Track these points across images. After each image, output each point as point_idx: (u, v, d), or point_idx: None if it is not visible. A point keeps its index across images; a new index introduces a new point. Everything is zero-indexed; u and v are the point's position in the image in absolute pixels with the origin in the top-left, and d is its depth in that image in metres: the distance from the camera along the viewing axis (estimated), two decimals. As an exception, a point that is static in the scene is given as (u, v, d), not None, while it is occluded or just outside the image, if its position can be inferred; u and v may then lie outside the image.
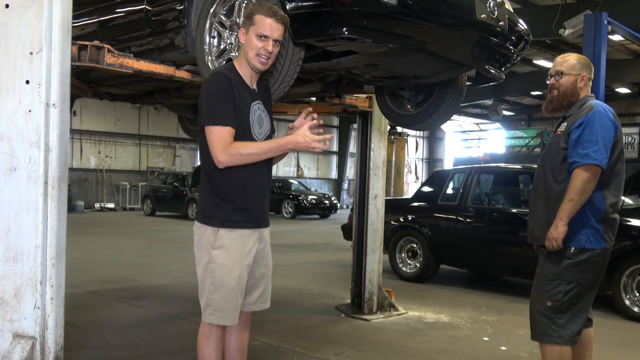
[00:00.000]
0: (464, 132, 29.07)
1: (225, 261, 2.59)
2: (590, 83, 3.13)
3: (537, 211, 3.09)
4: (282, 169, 27.13)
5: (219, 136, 2.52)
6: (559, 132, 3.02)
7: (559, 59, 3.17)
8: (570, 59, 3.12)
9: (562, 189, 2.94)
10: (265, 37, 2.58)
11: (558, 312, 2.92)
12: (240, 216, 2.63)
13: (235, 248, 2.61)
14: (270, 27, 2.57)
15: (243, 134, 2.60)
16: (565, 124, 3.04)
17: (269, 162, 2.76)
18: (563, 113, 3.12)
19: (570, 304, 2.92)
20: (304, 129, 2.61)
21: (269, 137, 2.76)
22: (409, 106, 4.26)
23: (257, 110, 2.69)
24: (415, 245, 7.51)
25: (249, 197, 2.65)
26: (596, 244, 2.90)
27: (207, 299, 2.63)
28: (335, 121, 28.79)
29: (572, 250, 2.91)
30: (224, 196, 2.61)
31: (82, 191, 20.86)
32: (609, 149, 2.87)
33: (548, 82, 3.15)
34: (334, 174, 29.90)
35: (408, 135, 21.51)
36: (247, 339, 2.88)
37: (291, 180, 22.06)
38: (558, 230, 2.87)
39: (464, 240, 7.02)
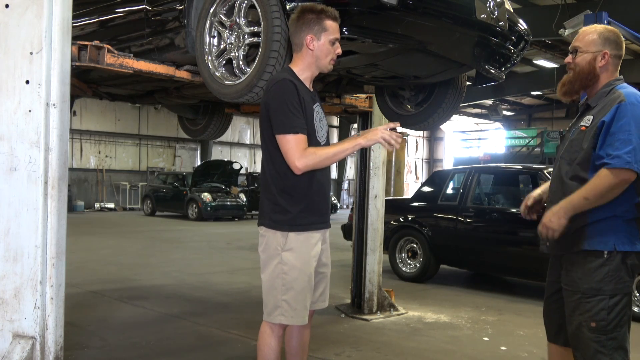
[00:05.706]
0: (464, 132, 29.02)
1: (296, 263, 2.60)
2: (619, 62, 2.62)
3: None
4: (282, 169, 27.07)
5: (294, 144, 2.50)
6: (584, 128, 2.54)
7: (580, 32, 2.67)
8: (590, 33, 2.59)
9: None
10: (337, 40, 2.62)
11: (605, 332, 2.43)
12: (307, 218, 2.63)
13: (305, 250, 2.63)
14: (338, 30, 2.63)
15: (309, 138, 2.60)
16: (590, 117, 2.55)
17: None
18: (578, 97, 2.69)
19: (620, 321, 2.44)
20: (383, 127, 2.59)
21: (328, 137, 2.78)
22: (409, 106, 4.27)
23: (318, 113, 2.69)
24: (415, 245, 7.50)
25: (314, 197, 2.66)
26: (630, 246, 2.46)
27: (277, 301, 2.62)
28: (335, 121, 28.76)
29: (605, 256, 2.44)
30: (290, 199, 2.60)
31: (82, 191, 20.85)
32: None
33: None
34: (333, 174, 29.89)
35: (408, 135, 21.49)
36: (308, 337, 2.89)
37: (291, 180, 22.01)
38: (560, 222, 2.44)
39: (464, 240, 7.01)
